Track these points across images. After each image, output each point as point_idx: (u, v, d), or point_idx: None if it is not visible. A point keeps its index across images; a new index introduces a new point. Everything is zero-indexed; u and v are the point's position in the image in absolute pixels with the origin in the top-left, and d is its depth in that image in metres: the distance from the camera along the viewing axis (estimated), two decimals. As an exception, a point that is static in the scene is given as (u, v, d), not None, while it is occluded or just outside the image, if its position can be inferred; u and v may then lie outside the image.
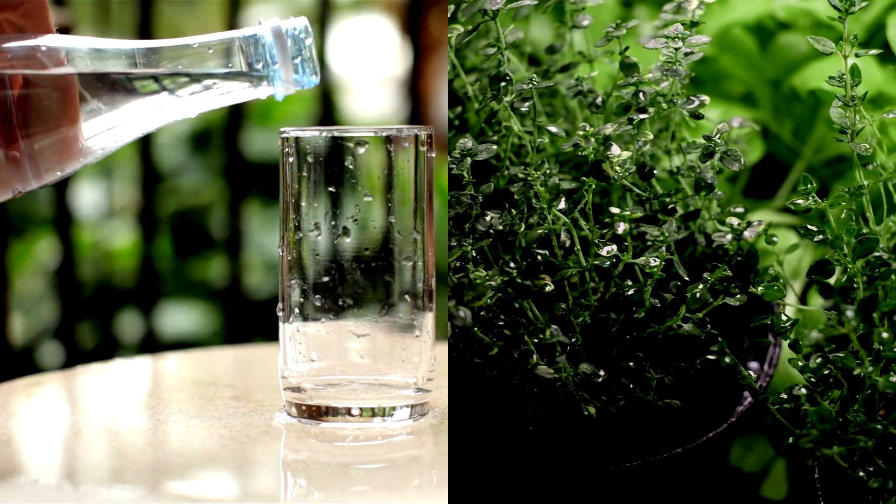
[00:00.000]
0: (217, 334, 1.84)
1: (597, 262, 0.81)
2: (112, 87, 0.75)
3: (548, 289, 0.80)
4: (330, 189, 0.81)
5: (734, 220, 0.81)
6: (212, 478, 0.75)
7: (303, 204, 0.81)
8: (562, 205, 0.81)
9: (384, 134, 0.81)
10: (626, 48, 0.86)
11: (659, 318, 0.82)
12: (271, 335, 0.85)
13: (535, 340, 0.80)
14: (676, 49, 0.83)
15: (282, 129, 0.82)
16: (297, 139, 0.81)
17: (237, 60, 0.77)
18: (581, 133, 0.82)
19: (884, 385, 0.73)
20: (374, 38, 2.19)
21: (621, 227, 0.80)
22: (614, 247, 0.80)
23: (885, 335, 0.74)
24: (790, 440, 0.76)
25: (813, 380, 0.78)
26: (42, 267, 1.88)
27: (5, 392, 0.91)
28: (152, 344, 1.71)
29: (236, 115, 1.71)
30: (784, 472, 0.92)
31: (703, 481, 0.88)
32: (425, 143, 0.82)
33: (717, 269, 0.80)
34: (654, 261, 0.80)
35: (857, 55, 0.83)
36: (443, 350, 0.83)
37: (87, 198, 1.86)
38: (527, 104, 0.84)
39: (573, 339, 0.81)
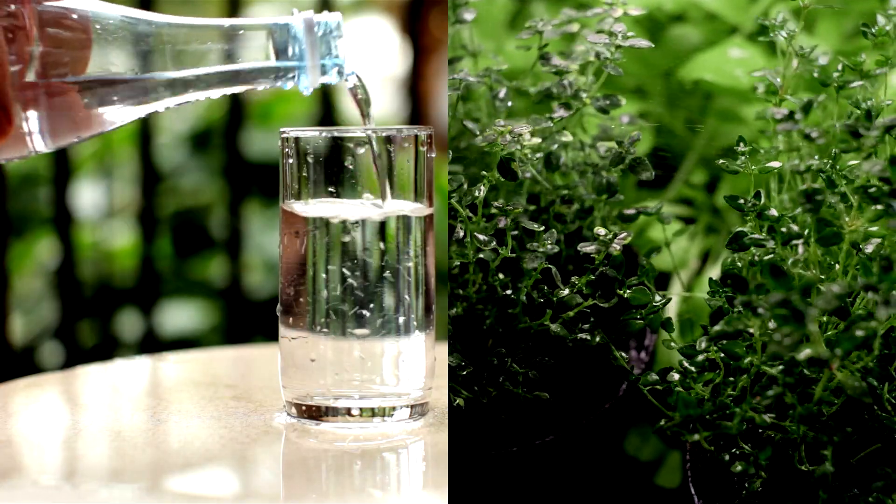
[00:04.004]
0: (217, 334, 1.84)
1: (480, 256, 0.81)
2: (134, 57, 0.75)
3: None
4: (330, 189, 0.81)
5: (601, 231, 0.82)
6: (212, 478, 0.75)
7: (303, 204, 0.81)
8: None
9: (384, 134, 0.81)
10: (546, 44, 0.87)
11: (534, 315, 0.83)
12: (271, 335, 0.85)
13: None
14: (618, 47, 0.84)
15: (282, 129, 0.82)
16: (297, 139, 0.81)
17: (266, 46, 0.77)
18: (500, 129, 0.82)
19: (780, 378, 0.73)
20: (374, 38, 2.19)
21: (503, 222, 0.81)
22: (493, 241, 0.81)
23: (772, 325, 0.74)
24: (662, 422, 0.76)
25: (686, 364, 0.78)
26: (42, 267, 1.88)
27: (5, 392, 0.91)
28: (152, 344, 1.71)
29: (236, 115, 1.71)
30: (679, 461, 0.93)
31: (597, 470, 0.88)
32: (425, 143, 0.82)
33: (584, 276, 0.81)
34: (534, 262, 0.81)
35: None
36: (443, 350, 0.83)
37: (87, 198, 1.86)
38: None
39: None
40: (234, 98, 1.72)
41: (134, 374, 1.02)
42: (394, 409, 0.81)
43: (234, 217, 1.71)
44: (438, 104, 1.97)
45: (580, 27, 0.90)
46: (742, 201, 0.79)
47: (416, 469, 0.78)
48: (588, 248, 0.81)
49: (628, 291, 0.80)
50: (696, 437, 0.74)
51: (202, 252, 1.94)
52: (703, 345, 0.77)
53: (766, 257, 0.77)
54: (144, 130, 1.69)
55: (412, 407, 0.82)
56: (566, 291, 0.82)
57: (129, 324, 1.80)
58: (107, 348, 1.78)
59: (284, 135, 0.82)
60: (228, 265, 1.72)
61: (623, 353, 0.82)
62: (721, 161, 0.82)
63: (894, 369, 0.75)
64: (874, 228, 0.74)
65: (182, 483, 0.74)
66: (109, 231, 1.88)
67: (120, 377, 1.01)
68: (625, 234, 0.81)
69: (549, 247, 0.81)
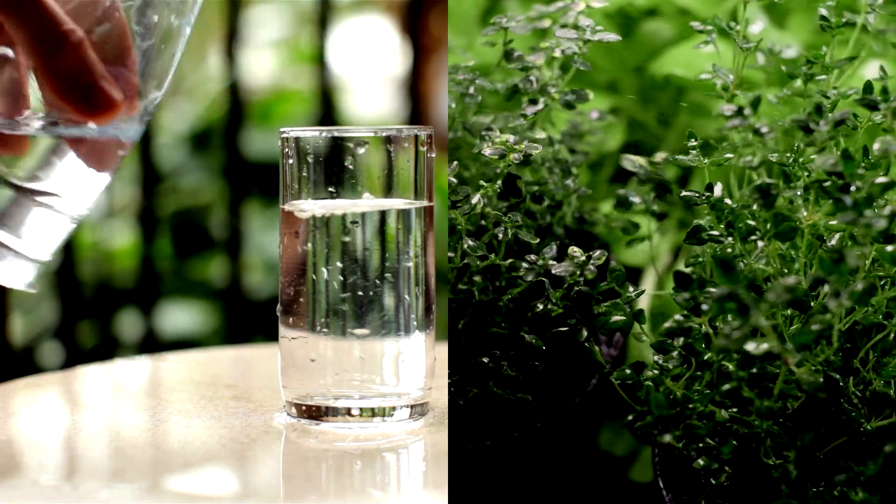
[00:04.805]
0: (217, 334, 1.84)
1: (466, 261, 0.82)
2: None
3: None
4: (330, 189, 0.81)
5: (576, 251, 0.81)
6: (212, 478, 0.75)
7: (303, 204, 0.81)
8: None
9: (384, 134, 0.81)
10: (511, 41, 0.88)
11: (510, 320, 0.83)
12: (271, 335, 0.85)
13: None
14: (586, 41, 0.85)
15: (282, 129, 0.82)
16: (297, 139, 0.81)
17: None
18: (510, 145, 0.82)
19: (734, 373, 0.73)
20: (374, 38, 2.19)
21: (501, 233, 0.81)
22: (483, 248, 0.81)
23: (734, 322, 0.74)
24: (629, 417, 0.76)
25: (660, 360, 0.77)
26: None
27: (5, 392, 0.91)
28: (152, 344, 1.71)
29: (236, 115, 1.71)
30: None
31: (571, 464, 0.89)
32: (425, 143, 0.82)
33: (557, 291, 0.81)
34: (530, 276, 0.81)
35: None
36: (443, 350, 0.83)
37: (87, 198, 1.86)
38: None
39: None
40: (234, 98, 1.72)
41: (134, 374, 1.02)
42: (394, 409, 0.81)
43: (234, 217, 1.71)
44: (438, 104, 1.97)
45: (551, 23, 0.90)
46: (694, 194, 0.79)
47: (416, 469, 0.78)
48: (560, 269, 0.81)
49: (604, 306, 0.80)
50: (668, 437, 0.74)
51: (202, 252, 1.95)
52: (667, 341, 0.77)
53: (724, 252, 0.77)
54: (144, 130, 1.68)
55: (412, 407, 0.82)
56: (539, 307, 0.82)
57: (129, 324, 1.80)
58: (107, 348, 1.78)
59: (284, 135, 0.82)
60: (228, 265, 1.72)
61: (598, 348, 0.82)
62: (678, 157, 0.82)
63: (858, 362, 0.75)
64: (833, 222, 0.74)
65: (182, 483, 0.74)
66: (109, 231, 1.88)
67: (120, 377, 1.01)
68: (599, 252, 0.81)
69: (547, 260, 0.81)
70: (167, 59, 0.76)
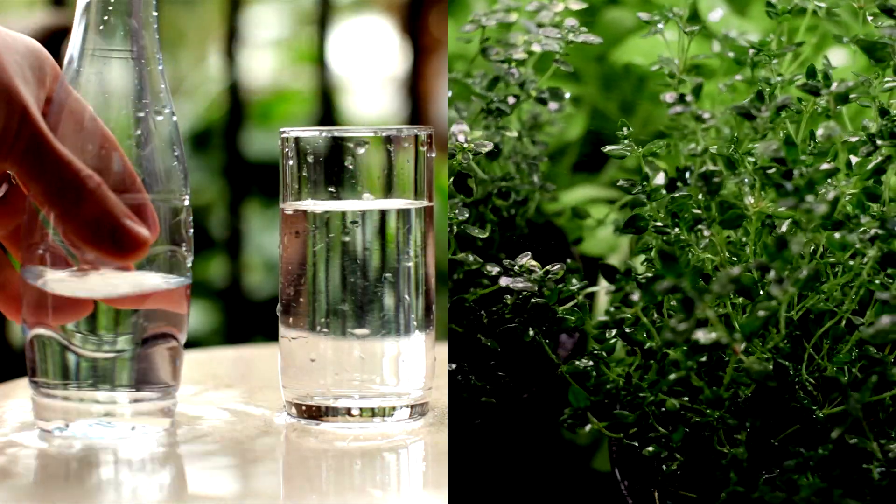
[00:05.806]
0: (217, 334, 1.84)
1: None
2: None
3: None
4: (330, 189, 0.81)
5: (533, 264, 0.81)
6: (212, 478, 0.75)
7: (303, 204, 0.81)
8: None
9: (384, 134, 0.81)
10: (487, 39, 0.88)
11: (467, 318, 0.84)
12: (271, 335, 0.85)
13: None
14: (568, 43, 0.85)
15: (282, 129, 0.82)
16: (297, 139, 0.81)
17: None
18: (461, 144, 0.82)
19: (682, 362, 0.72)
20: (374, 38, 2.19)
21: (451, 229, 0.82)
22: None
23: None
24: (566, 413, 0.75)
25: (597, 350, 0.77)
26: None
27: (5, 392, 0.91)
28: (152, 344, 1.70)
29: (236, 115, 1.71)
30: None
31: (535, 455, 0.89)
32: (425, 143, 0.82)
33: (510, 297, 0.82)
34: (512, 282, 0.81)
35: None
36: (443, 350, 0.83)
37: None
38: None
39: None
40: (234, 98, 1.72)
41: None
42: (394, 409, 0.81)
43: (234, 217, 1.71)
44: (438, 104, 1.97)
45: (517, 17, 0.91)
46: (628, 183, 0.79)
47: (416, 469, 0.78)
48: (517, 284, 0.81)
49: (562, 308, 0.80)
50: (588, 428, 0.73)
51: (202, 252, 1.95)
52: (611, 333, 0.77)
53: (669, 242, 0.77)
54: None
55: (412, 407, 0.82)
56: (496, 316, 0.82)
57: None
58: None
59: (284, 135, 0.82)
60: (228, 265, 1.72)
61: (551, 342, 0.82)
62: (608, 148, 0.82)
63: (811, 348, 0.75)
64: (782, 209, 0.74)
65: (182, 483, 0.74)
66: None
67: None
68: (558, 266, 0.81)
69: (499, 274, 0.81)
70: (169, 158, 0.77)
